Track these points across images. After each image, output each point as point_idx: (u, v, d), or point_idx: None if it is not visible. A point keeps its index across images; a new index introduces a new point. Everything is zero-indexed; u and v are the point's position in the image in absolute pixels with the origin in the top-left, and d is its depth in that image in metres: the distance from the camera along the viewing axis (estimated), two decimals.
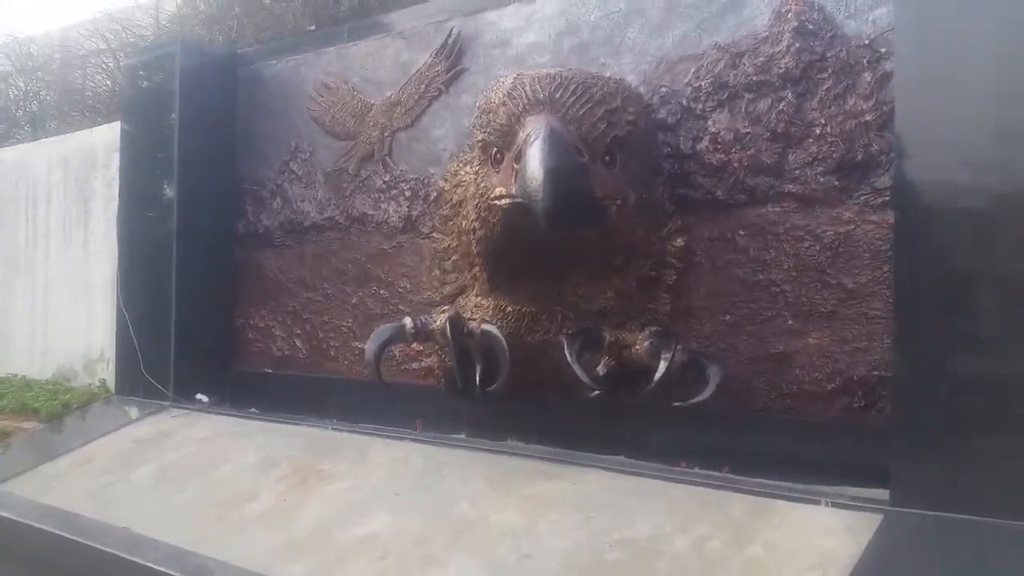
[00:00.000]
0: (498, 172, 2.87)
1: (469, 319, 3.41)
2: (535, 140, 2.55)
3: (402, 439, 3.66)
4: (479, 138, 2.94)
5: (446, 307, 3.68)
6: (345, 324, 4.26)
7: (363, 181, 4.21)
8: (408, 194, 4.01)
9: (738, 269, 3.06)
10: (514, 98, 2.77)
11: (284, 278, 4.59)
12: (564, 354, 2.98)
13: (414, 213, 3.99)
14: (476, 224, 3.06)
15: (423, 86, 3.99)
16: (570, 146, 2.61)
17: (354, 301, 4.23)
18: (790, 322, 2.97)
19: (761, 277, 3.02)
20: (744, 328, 3.05)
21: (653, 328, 2.93)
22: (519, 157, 2.64)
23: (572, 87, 2.75)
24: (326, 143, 4.42)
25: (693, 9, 3.21)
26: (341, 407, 4.18)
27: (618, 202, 2.80)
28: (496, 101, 2.84)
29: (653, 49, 3.32)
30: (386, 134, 4.12)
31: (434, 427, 3.80)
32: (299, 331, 4.50)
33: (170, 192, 4.70)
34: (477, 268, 3.45)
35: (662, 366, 2.76)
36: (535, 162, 2.51)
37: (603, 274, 3.07)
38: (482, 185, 2.96)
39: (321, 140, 4.44)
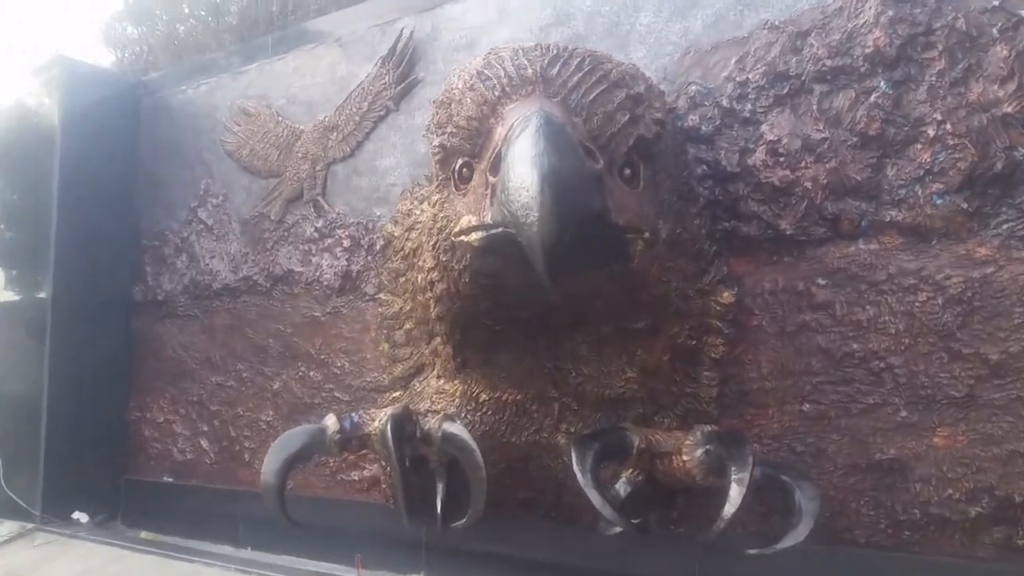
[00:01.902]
0: (464, 195, 1.91)
1: (427, 412, 2.40)
2: (522, 132, 1.60)
3: None
4: (436, 145, 1.98)
5: (397, 393, 2.67)
6: (264, 418, 3.20)
7: (289, 229, 3.22)
8: (347, 243, 3.03)
9: (819, 335, 2.11)
10: (488, 79, 1.83)
11: (189, 358, 3.54)
12: (569, 467, 1.97)
13: (355, 268, 3.00)
14: (435, 275, 2.08)
15: (366, 104, 3.05)
16: (577, 144, 1.65)
17: (276, 387, 3.19)
18: (903, 413, 2.00)
19: (855, 347, 2.06)
20: (833, 423, 2.07)
21: (706, 428, 1.92)
22: (496, 165, 1.68)
23: (576, 61, 1.81)
24: (243, 183, 3.44)
25: None
26: (258, 531, 3.10)
27: (645, 235, 1.83)
28: (460, 87, 1.89)
29: (675, 36, 2.42)
30: (319, 168, 3.16)
31: (382, 562, 2.73)
32: (206, 427, 3.43)
33: (45, 251, 3.66)
34: (439, 339, 2.45)
35: (735, 494, 1.72)
36: (523, 165, 1.55)
37: (622, 343, 2.09)
38: (441, 217, 1.99)
39: (237, 180, 3.46)
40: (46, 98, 3.82)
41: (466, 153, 1.88)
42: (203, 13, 4.89)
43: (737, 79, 2.28)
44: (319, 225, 3.12)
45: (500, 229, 1.68)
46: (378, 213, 2.97)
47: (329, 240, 3.08)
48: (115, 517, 3.63)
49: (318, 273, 3.09)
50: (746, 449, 1.74)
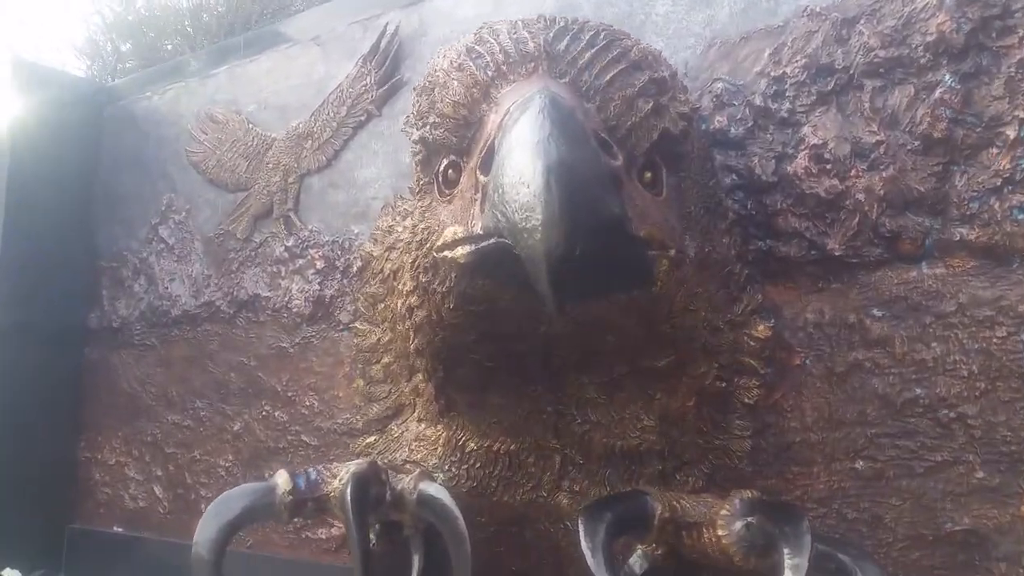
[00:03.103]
0: (450, 202, 1.56)
1: (405, 463, 2.04)
2: (521, 116, 1.25)
3: None
4: (415, 140, 1.63)
5: (372, 438, 2.30)
6: (222, 463, 2.82)
7: (256, 249, 2.87)
8: (320, 264, 2.67)
9: (875, 377, 1.75)
10: (479, 56, 1.49)
11: (145, 393, 3.16)
12: (573, 534, 1.60)
13: (328, 293, 2.64)
14: (414, 299, 1.72)
15: (344, 109, 2.71)
16: (590, 133, 1.30)
17: (236, 428, 2.81)
18: (980, 474, 1.64)
19: (919, 392, 1.70)
20: (892, 484, 1.71)
21: (746, 495, 1.54)
22: (488, 160, 1.33)
23: (588, 35, 1.48)
24: (208, 197, 3.09)
25: None
26: None
27: (671, 253, 1.48)
28: (445, 67, 1.55)
29: (698, 26, 2.09)
30: (291, 180, 2.81)
31: None
32: (160, 472, 3.04)
33: None
34: (420, 376, 2.10)
35: None
36: (523, 154, 1.20)
37: (638, 385, 1.73)
38: (422, 229, 1.64)
39: (202, 194, 3.11)
40: None
41: (452, 149, 1.53)
42: (186, 24, 4.61)
43: (772, 74, 1.94)
44: (290, 244, 2.76)
45: (492, 240, 1.32)
46: (356, 230, 2.62)
47: (300, 261, 2.72)
48: (56, 572, 3.22)
49: (287, 298, 2.72)
50: (802, 525, 1.36)
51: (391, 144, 2.59)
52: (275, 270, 2.78)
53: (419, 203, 1.70)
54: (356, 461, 1.76)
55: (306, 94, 2.85)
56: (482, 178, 1.35)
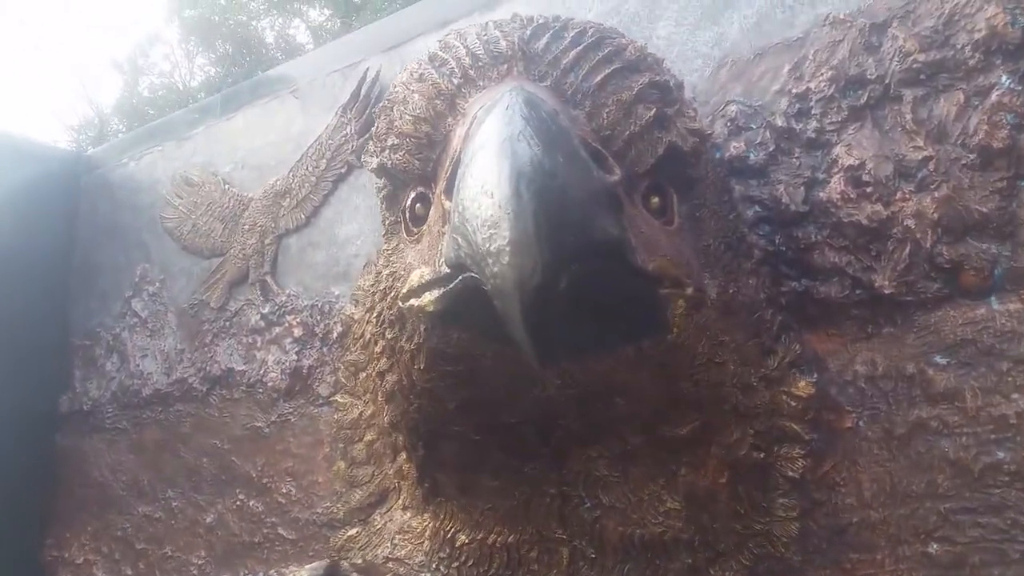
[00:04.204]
0: (418, 241, 1.30)
1: (385, 564, 1.74)
2: (487, 116, 0.99)
3: None
4: (373, 169, 1.38)
5: (354, 531, 1.99)
6: (195, 561, 2.50)
7: (231, 318, 2.61)
8: (298, 332, 2.40)
9: (944, 439, 1.43)
10: (444, 63, 1.26)
11: (116, 482, 2.86)
12: None
13: (306, 363, 2.36)
14: (383, 362, 1.45)
15: (324, 162, 2.49)
16: (577, 139, 1.04)
17: (209, 520, 2.50)
18: None
19: (1001, 456, 1.39)
20: (978, 573, 1.38)
21: None
22: (452, 181, 1.07)
23: (573, 33, 1.24)
24: (183, 266, 2.85)
25: None
26: None
27: (688, 291, 1.21)
28: (405, 80, 1.31)
29: (705, 46, 1.86)
30: (268, 241, 2.57)
31: None
32: (129, 571, 2.72)
33: None
34: (404, 455, 1.81)
35: None
36: (487, 157, 0.93)
37: (657, 458, 1.44)
38: (387, 275, 1.38)
39: (177, 262, 2.87)
40: None
41: (416, 177, 1.28)
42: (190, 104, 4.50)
43: (793, 91, 1.69)
44: (266, 311, 2.50)
45: (460, 278, 1.05)
46: (336, 292, 2.36)
47: (277, 329, 2.46)
48: None
49: (263, 371, 2.45)
50: None
51: (373, 197, 2.33)
52: (250, 340, 2.52)
53: (385, 247, 1.44)
54: (311, 566, 1.45)
55: (285, 150, 2.64)
56: (447, 204, 1.09)
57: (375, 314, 1.42)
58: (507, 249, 0.86)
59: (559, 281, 0.88)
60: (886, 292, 1.50)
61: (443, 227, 1.14)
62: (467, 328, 1.16)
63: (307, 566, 1.46)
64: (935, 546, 1.41)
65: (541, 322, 0.90)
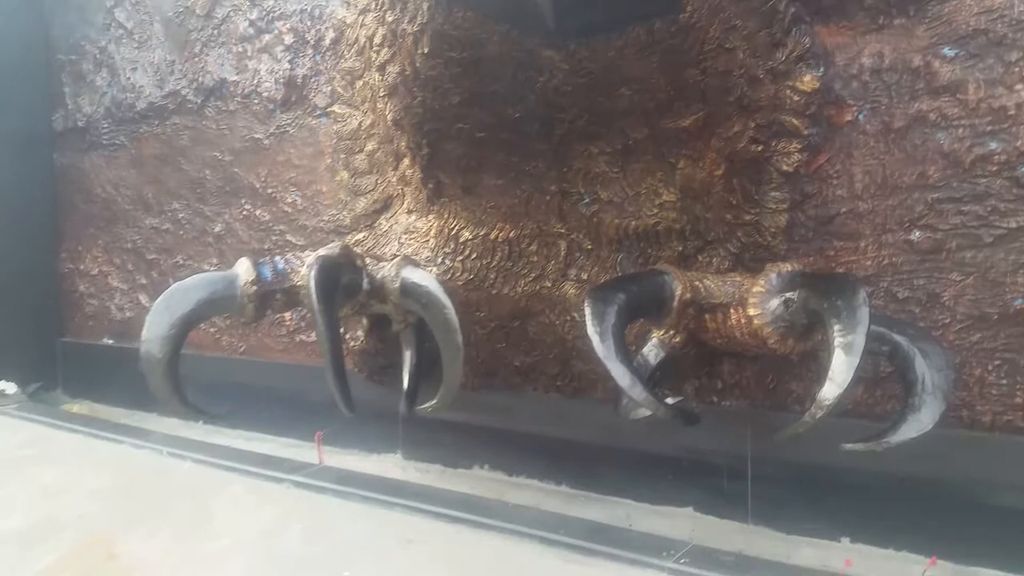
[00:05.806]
0: None
1: (383, 254, 1.82)
2: None
3: (293, 473, 2.07)
4: None
5: (361, 235, 2.08)
6: (207, 268, 2.62)
7: (219, 26, 2.51)
8: (289, 39, 2.33)
9: (940, 131, 1.45)
10: None
11: (120, 197, 2.92)
12: (580, 326, 1.39)
13: (300, 72, 2.31)
14: (385, 52, 1.42)
15: None
16: None
17: (218, 229, 2.59)
18: None
19: (994, 147, 1.41)
20: (954, 257, 1.46)
21: (784, 268, 1.30)
22: None
23: None
24: None
25: None
26: (207, 401, 2.58)
27: None
28: None
29: None
30: None
31: (352, 440, 2.23)
32: (144, 280, 2.86)
33: None
34: (407, 161, 1.84)
35: (841, 367, 1.10)
36: None
37: (657, 152, 1.46)
38: None
39: None
40: None
41: None
42: None
43: None
44: (253, 17, 2.40)
45: None
46: None
47: (267, 37, 2.37)
48: (53, 386, 3.14)
49: (256, 81, 2.40)
50: (857, 296, 1.12)
51: None
52: (240, 49, 2.44)
53: None
54: (326, 247, 1.53)
55: None
56: None
57: (378, 15, 1.36)
58: None
59: None
60: None
61: None
62: (473, 6, 1.12)
63: (321, 249, 1.54)
64: (917, 234, 1.48)
65: None
